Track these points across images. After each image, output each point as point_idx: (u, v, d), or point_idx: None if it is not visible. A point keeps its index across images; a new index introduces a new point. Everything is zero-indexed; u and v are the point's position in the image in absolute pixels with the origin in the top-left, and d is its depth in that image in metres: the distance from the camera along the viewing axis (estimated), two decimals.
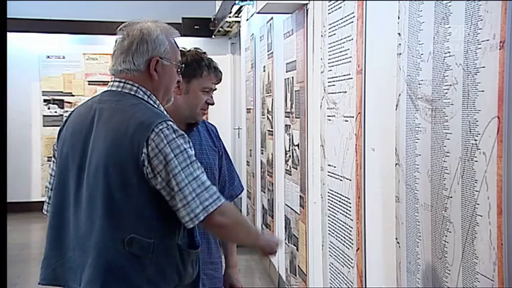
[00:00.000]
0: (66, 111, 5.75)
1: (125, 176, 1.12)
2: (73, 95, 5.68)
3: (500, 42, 1.01)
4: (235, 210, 1.24)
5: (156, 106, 1.22)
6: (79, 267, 1.16)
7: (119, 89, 1.21)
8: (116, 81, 1.22)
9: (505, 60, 1.01)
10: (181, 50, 1.45)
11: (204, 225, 1.17)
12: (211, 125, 1.68)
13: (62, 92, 5.69)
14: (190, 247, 1.21)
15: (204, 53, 1.57)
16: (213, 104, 1.56)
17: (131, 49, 1.19)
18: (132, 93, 1.20)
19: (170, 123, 1.16)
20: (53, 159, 1.29)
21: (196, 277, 1.24)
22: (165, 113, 1.23)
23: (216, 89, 1.59)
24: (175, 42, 1.26)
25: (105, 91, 1.24)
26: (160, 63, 1.21)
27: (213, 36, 5.31)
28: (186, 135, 1.18)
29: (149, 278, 1.14)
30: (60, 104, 5.70)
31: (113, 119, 1.16)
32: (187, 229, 1.19)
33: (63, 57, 5.65)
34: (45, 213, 1.30)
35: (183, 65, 1.30)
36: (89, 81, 5.69)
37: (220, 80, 1.59)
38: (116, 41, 1.22)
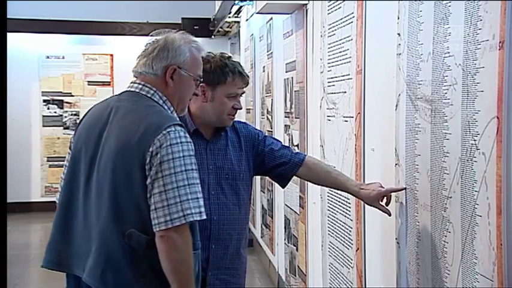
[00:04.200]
0: (66, 111, 5.77)
1: (130, 173, 1.17)
2: (72, 95, 5.68)
3: (500, 42, 1.01)
4: (190, 244, 1.18)
5: (169, 111, 1.26)
6: (84, 254, 1.22)
7: (137, 90, 1.27)
8: (136, 83, 1.28)
9: (504, 61, 1.00)
10: (206, 56, 1.48)
11: (162, 234, 1.13)
12: (240, 123, 1.63)
13: (61, 92, 5.68)
14: None
15: (230, 57, 1.56)
16: (240, 108, 1.55)
17: (153, 54, 1.26)
18: (149, 95, 1.26)
19: (179, 128, 1.20)
20: (68, 151, 1.35)
21: (196, 278, 1.24)
22: (177, 119, 1.26)
23: (244, 93, 1.57)
24: (199, 57, 1.31)
25: (124, 91, 1.30)
26: (177, 72, 1.27)
27: (213, 37, 5.31)
28: (192, 144, 1.20)
29: (143, 273, 1.18)
30: (60, 104, 5.70)
31: (127, 118, 1.22)
32: None
33: (63, 58, 5.65)
34: (58, 202, 1.34)
35: (208, 73, 1.36)
36: (88, 82, 5.69)
37: (247, 83, 1.56)
38: (145, 46, 1.29)
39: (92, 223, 1.21)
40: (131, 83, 1.30)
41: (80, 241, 1.24)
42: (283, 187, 1.70)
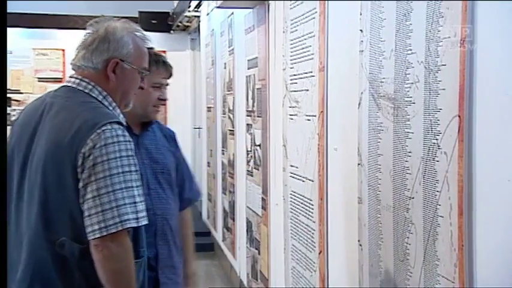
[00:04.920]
0: (14, 109, 5.47)
1: (61, 176, 1.08)
2: (21, 93, 5.42)
3: (461, 39, 1.01)
4: (130, 252, 1.09)
5: (110, 108, 1.17)
6: (16, 266, 1.13)
7: (74, 85, 1.17)
8: (73, 77, 1.19)
9: (466, 58, 1.00)
10: None
11: (97, 243, 1.05)
12: (169, 130, 1.66)
13: (9, 89, 5.37)
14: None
15: (152, 48, 1.52)
16: (165, 99, 1.54)
17: (92, 46, 1.16)
18: (87, 91, 1.16)
19: (116, 125, 1.11)
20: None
21: (141, 287, 1.17)
22: (121, 116, 1.18)
23: (168, 84, 1.56)
24: (144, 47, 1.23)
25: (61, 86, 1.20)
26: (120, 65, 1.18)
27: (172, 32, 5.18)
28: (131, 143, 1.11)
29: (76, 285, 1.09)
30: (8, 102, 5.39)
31: (60, 115, 1.13)
32: (131, 238, 1.11)
33: (11, 53, 5.34)
34: None
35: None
36: (38, 78, 5.46)
37: (171, 74, 1.56)
38: (84, 36, 1.19)
39: (23, 231, 1.12)
40: (69, 77, 1.20)
41: (12, 251, 1.15)
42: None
